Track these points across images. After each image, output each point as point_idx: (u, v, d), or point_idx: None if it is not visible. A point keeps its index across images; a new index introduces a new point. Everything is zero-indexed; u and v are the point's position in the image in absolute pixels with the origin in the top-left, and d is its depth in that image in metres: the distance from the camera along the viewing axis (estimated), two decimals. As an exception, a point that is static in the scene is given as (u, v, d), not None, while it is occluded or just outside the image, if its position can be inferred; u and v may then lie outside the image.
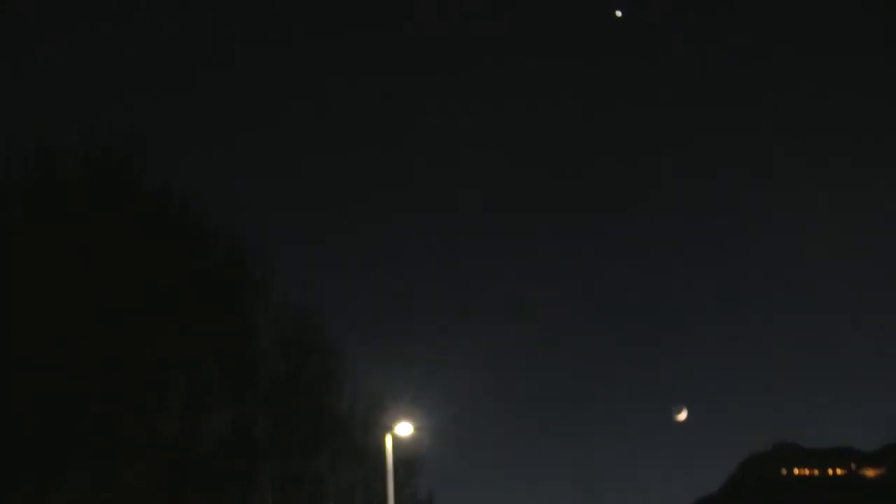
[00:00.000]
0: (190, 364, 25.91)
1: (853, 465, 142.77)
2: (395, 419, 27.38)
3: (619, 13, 51.61)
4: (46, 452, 23.07)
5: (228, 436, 26.51)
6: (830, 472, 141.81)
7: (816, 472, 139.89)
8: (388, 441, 27.02)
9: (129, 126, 25.80)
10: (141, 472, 24.66)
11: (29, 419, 23.12)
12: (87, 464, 23.93)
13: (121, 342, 23.76)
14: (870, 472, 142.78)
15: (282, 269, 28.37)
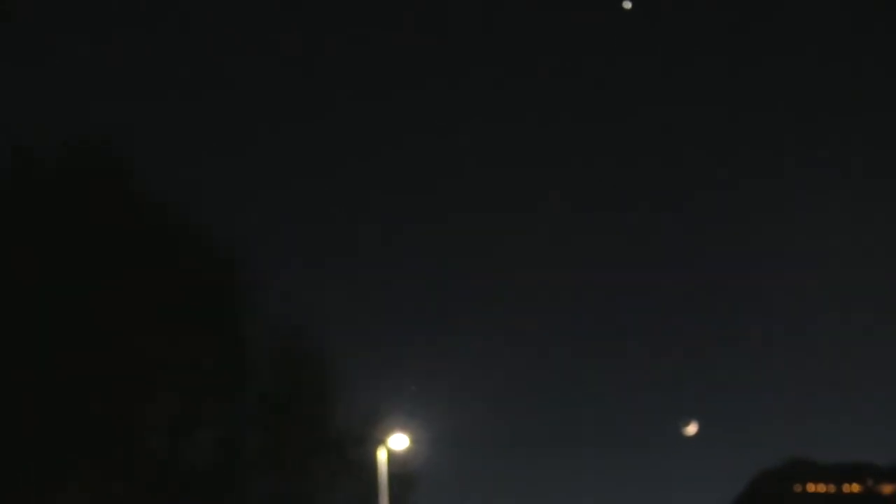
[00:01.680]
0: (178, 377, 25.29)
1: (869, 482, 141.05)
2: (390, 432, 26.60)
3: (627, 4, 50.08)
4: (27, 469, 22.44)
5: (217, 451, 25.83)
6: (846, 488, 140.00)
7: (832, 488, 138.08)
8: (382, 454, 26.23)
9: (121, 129, 25.36)
10: (126, 489, 24.03)
11: (9, 435, 22.53)
12: (71, 480, 23.32)
13: (105, 353, 23.15)
14: (887, 489, 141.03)
15: (274, 280, 27.74)
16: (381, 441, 26.21)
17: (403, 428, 26.73)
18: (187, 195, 26.21)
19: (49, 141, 23.86)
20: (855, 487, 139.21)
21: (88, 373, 23.15)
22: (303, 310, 28.85)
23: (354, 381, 29.90)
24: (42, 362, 22.70)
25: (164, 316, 24.40)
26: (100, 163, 24.28)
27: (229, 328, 26.24)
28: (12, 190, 22.95)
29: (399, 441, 26.32)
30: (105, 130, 24.93)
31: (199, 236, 25.43)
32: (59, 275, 23.02)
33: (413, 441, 26.55)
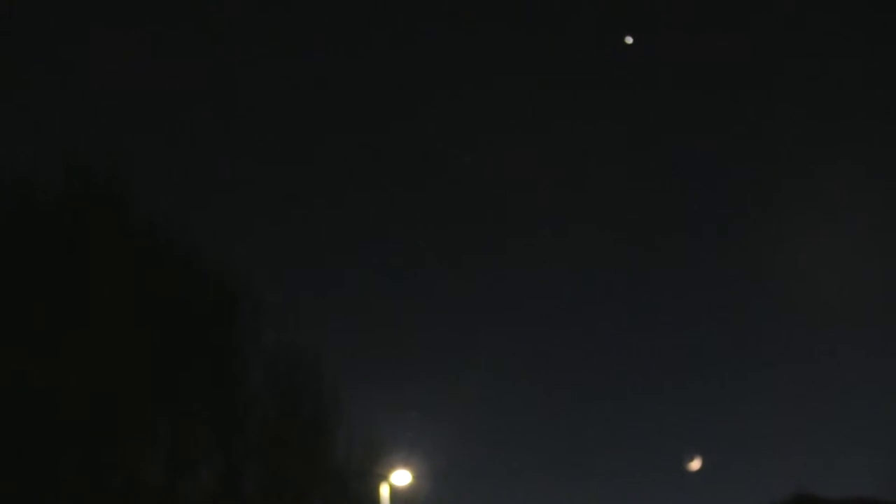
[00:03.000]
0: (174, 407, 24.64)
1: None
2: (392, 466, 25.92)
3: (629, 39, 49.22)
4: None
5: (215, 484, 25.14)
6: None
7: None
8: (385, 490, 25.56)
9: (117, 155, 24.79)
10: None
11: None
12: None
13: (100, 382, 22.50)
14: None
15: (274, 308, 27.07)
16: (384, 476, 25.51)
17: (406, 462, 26.03)
18: (186, 219, 25.62)
19: (49, 158, 23.37)
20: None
21: (83, 404, 22.54)
22: (304, 337, 28.21)
23: (356, 411, 29.24)
24: (33, 393, 22.09)
25: (161, 345, 23.80)
26: (99, 186, 23.80)
27: (228, 358, 25.64)
28: (12, 214, 22.38)
29: (402, 477, 25.61)
30: (104, 150, 24.50)
31: (198, 263, 24.89)
32: (52, 304, 22.41)
33: (416, 476, 25.85)
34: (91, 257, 22.48)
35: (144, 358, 23.37)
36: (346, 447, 27.85)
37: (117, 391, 22.79)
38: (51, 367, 22.17)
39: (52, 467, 22.20)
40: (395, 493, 25.74)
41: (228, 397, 25.44)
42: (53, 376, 22.18)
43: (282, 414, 26.64)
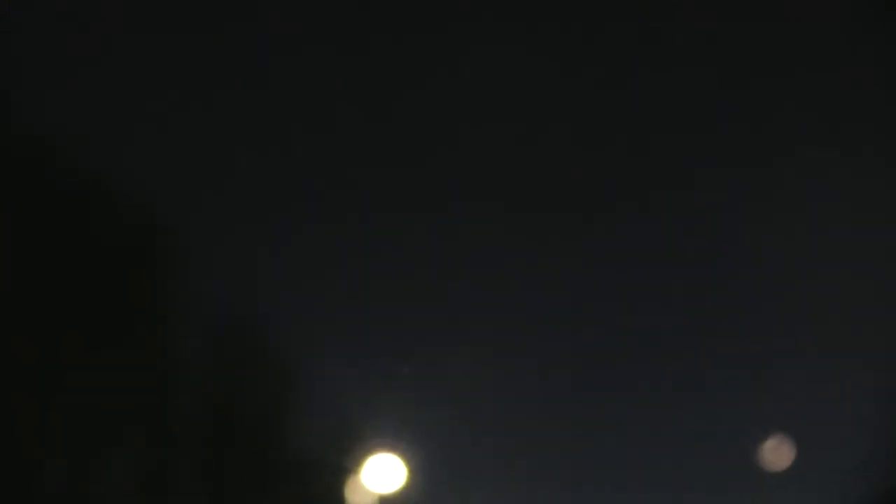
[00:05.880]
0: (79, 392, 19.00)
1: None
2: (371, 454, 20.66)
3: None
4: None
5: (135, 484, 19.51)
6: None
7: None
8: (359, 484, 20.35)
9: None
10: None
11: None
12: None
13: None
14: None
15: (213, 253, 21.35)
16: (357, 471, 20.25)
17: (389, 449, 20.78)
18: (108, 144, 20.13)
19: None
20: None
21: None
22: (257, 298, 22.48)
23: (325, 386, 23.65)
24: None
25: (58, 309, 18.35)
26: None
27: (152, 323, 20.04)
28: None
29: (382, 467, 20.47)
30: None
31: (107, 190, 19.12)
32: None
33: (406, 469, 20.73)
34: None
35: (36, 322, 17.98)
36: (310, 436, 22.36)
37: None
38: None
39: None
40: (375, 490, 20.39)
41: (152, 376, 19.80)
42: None
43: (224, 397, 21.01)
